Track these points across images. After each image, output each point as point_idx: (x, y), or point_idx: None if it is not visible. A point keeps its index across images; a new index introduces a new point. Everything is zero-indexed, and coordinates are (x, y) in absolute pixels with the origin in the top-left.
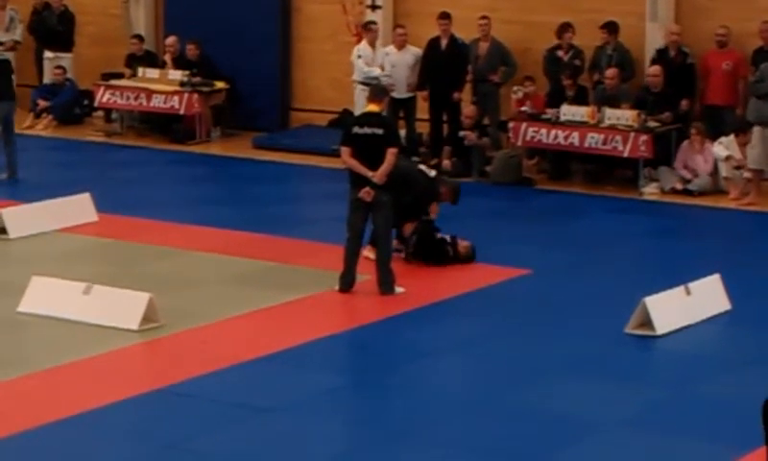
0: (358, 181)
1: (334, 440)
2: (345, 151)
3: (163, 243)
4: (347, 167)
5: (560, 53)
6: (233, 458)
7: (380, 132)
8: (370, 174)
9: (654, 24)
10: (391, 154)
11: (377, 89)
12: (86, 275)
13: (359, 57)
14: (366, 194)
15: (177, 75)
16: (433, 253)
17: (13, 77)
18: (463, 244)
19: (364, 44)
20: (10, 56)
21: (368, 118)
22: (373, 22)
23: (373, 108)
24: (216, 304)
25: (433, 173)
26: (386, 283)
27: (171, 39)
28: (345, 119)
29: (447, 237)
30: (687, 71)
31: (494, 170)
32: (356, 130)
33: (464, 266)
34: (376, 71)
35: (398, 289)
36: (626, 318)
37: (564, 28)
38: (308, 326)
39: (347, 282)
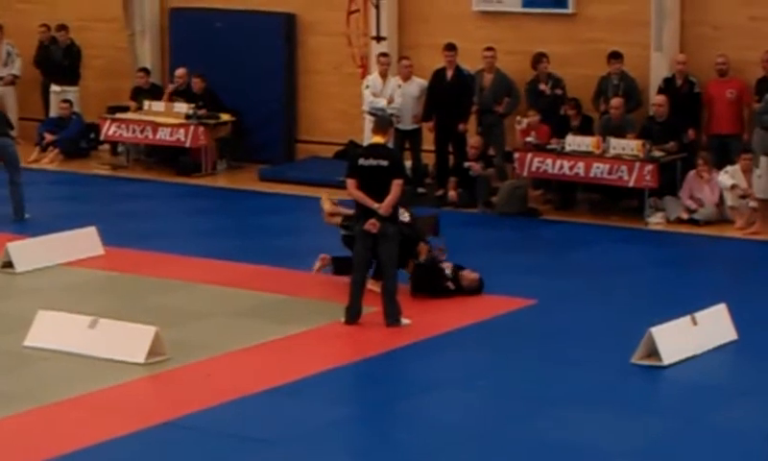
0: (364, 212)
1: None
2: (350, 182)
3: (169, 276)
4: (353, 199)
5: (541, 86)
6: None
7: (385, 163)
8: (375, 205)
9: (659, 54)
10: (396, 185)
11: (382, 121)
12: (93, 308)
13: (367, 87)
14: (371, 226)
15: (182, 108)
16: (434, 288)
17: None
18: (469, 277)
19: (375, 75)
20: (10, 90)
21: (373, 150)
22: (384, 54)
23: (378, 139)
24: (222, 337)
25: (407, 216)
26: (392, 315)
27: (180, 71)
28: (350, 151)
29: (448, 270)
30: (694, 100)
31: (500, 201)
32: (362, 161)
33: (470, 297)
34: (382, 102)
35: (405, 321)
36: (632, 348)
37: (539, 58)
38: (314, 358)
39: (353, 314)
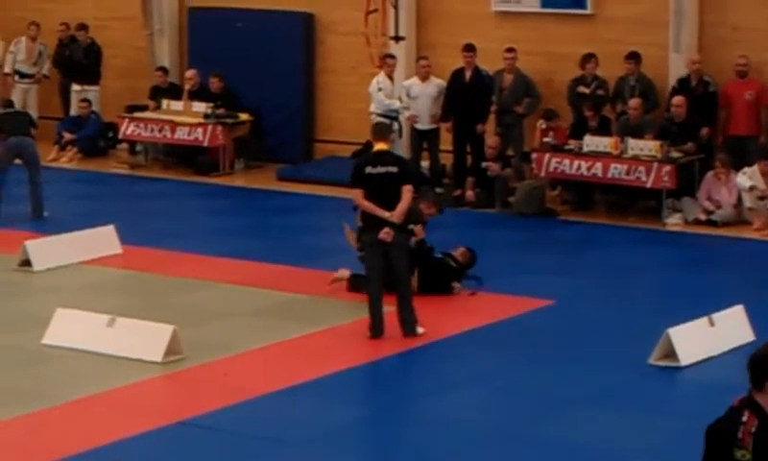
0: (374, 222)
1: None
2: (358, 193)
3: (187, 275)
4: (360, 209)
5: (582, 87)
6: None
7: (395, 170)
8: (386, 214)
9: (677, 54)
10: (407, 191)
11: (383, 127)
12: (110, 307)
13: (380, 89)
14: (386, 235)
15: (201, 107)
16: (439, 277)
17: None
18: (459, 251)
19: (383, 76)
20: (34, 88)
21: (380, 157)
22: (392, 56)
23: (382, 146)
24: (239, 336)
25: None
26: (408, 324)
27: (190, 73)
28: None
29: (453, 262)
30: (710, 100)
31: (518, 201)
32: (369, 169)
33: (486, 297)
34: (397, 104)
35: (420, 330)
36: (650, 349)
37: (587, 58)
38: (330, 358)
39: (377, 329)
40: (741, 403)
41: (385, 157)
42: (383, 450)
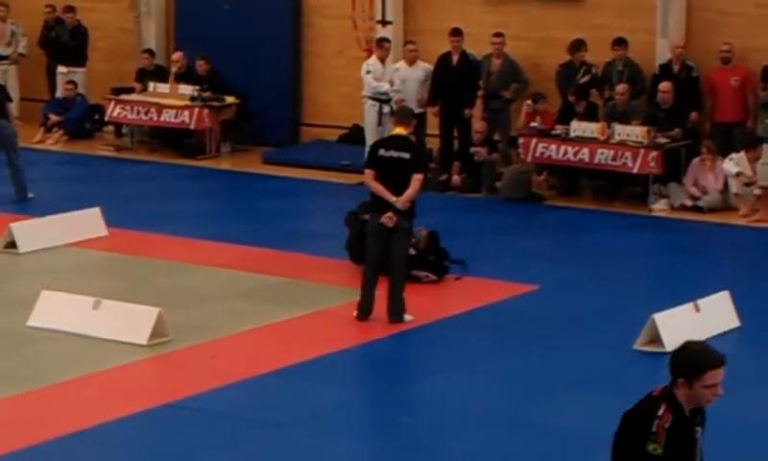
0: (380, 205)
1: (345, 455)
2: (368, 173)
3: (173, 258)
4: (370, 191)
5: (586, 77)
6: None
7: (407, 156)
8: (392, 199)
9: (664, 40)
10: (416, 179)
11: (405, 112)
12: (96, 289)
13: (368, 72)
14: (388, 219)
15: (187, 90)
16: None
17: None
18: (422, 234)
19: (374, 59)
20: (12, 69)
21: (394, 141)
22: (387, 39)
23: (401, 131)
24: (225, 319)
25: None
26: (396, 312)
27: (177, 55)
28: (355, 134)
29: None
30: (693, 85)
31: (504, 186)
32: (382, 152)
33: (472, 282)
34: (386, 86)
35: (407, 317)
36: (635, 334)
37: (578, 45)
38: (318, 341)
39: (365, 310)
40: (661, 394)
41: (399, 143)
42: (371, 433)
